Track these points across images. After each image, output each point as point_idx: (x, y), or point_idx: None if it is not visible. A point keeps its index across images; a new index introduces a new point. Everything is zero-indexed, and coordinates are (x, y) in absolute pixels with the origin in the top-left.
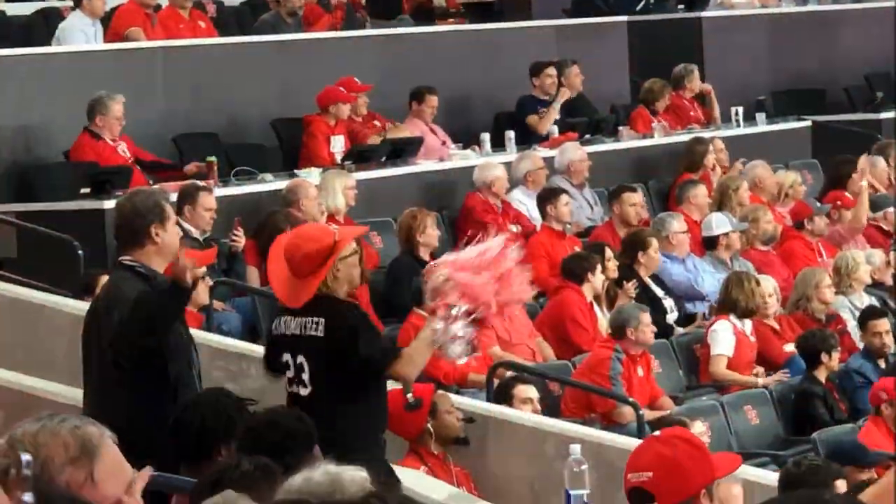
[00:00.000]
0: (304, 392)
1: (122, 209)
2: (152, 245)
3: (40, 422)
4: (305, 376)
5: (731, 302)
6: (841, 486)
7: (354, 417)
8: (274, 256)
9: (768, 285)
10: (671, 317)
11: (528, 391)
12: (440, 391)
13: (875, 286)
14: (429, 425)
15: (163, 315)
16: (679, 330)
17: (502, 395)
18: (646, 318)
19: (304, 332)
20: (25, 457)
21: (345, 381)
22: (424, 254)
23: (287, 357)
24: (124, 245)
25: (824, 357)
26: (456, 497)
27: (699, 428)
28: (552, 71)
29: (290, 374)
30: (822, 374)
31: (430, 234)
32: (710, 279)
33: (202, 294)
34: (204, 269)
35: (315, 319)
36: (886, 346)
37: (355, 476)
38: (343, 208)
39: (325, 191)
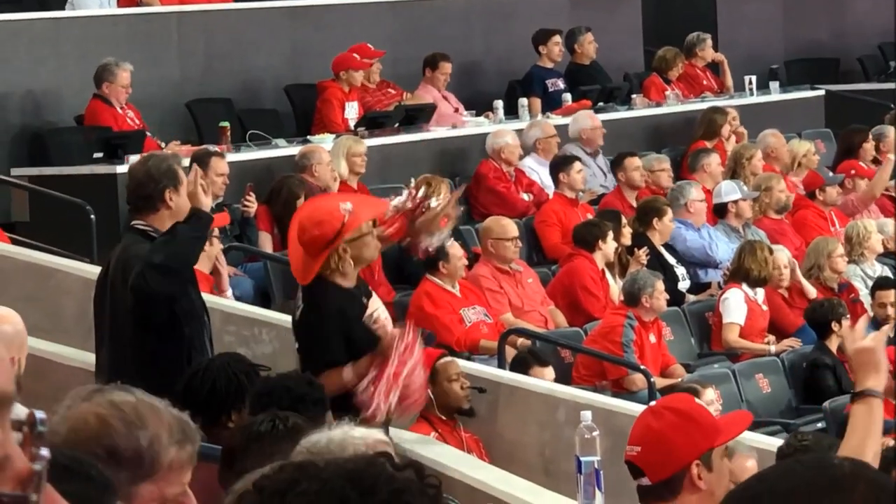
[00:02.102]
0: None
1: (136, 173)
2: (166, 209)
3: (128, 393)
4: None
5: (744, 270)
6: None
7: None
8: (292, 229)
9: (782, 256)
10: (683, 284)
11: (546, 373)
12: (447, 357)
13: (887, 255)
14: (428, 391)
15: (186, 247)
16: (690, 298)
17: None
18: (660, 284)
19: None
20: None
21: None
22: None
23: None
24: (137, 209)
25: (834, 326)
26: (465, 462)
27: (710, 395)
28: (558, 39)
29: None
30: (833, 344)
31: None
32: (723, 247)
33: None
34: (216, 231)
35: (300, 304)
36: (890, 318)
37: (361, 435)
38: (346, 175)
39: (334, 157)
